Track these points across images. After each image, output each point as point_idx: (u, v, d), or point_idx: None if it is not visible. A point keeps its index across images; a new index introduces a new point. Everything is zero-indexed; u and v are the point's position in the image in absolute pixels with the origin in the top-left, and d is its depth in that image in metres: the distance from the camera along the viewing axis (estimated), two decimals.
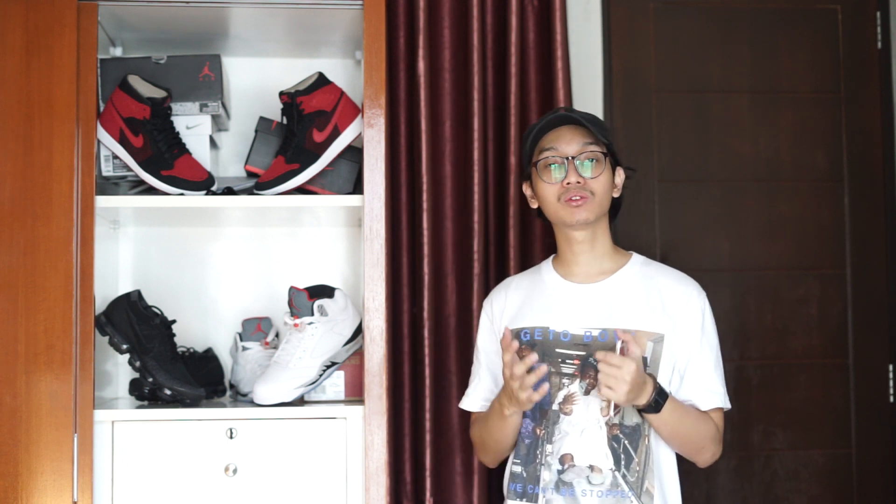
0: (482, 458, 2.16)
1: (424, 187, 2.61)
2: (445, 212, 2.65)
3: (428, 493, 2.59)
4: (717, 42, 2.93)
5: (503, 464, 2.11)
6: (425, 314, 2.59)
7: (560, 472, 1.94)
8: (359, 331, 2.28)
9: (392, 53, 2.63)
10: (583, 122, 2.02)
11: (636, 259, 2.10)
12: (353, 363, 2.32)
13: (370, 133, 2.22)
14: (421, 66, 2.63)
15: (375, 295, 2.19)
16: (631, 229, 2.85)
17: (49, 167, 2.14)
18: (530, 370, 1.87)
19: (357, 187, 2.33)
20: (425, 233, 2.61)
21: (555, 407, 1.96)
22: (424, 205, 2.61)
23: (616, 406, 1.91)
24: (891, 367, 2.91)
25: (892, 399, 2.91)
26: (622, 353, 1.85)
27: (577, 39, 2.81)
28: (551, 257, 2.15)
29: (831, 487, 2.88)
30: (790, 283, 2.90)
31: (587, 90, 2.84)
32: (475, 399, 2.13)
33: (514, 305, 2.08)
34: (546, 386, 1.90)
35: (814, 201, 2.93)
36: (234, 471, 2.17)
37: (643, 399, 1.87)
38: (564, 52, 2.69)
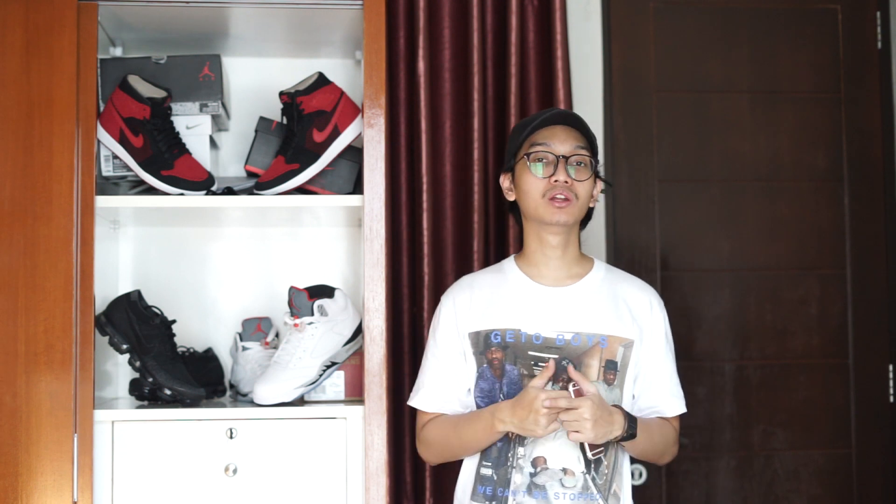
0: (429, 457, 2.10)
1: (424, 187, 2.61)
2: (445, 212, 2.65)
3: (428, 493, 2.59)
4: (717, 42, 2.93)
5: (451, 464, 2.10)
6: (425, 314, 2.59)
7: (532, 475, 1.94)
8: (359, 331, 2.28)
9: (392, 53, 2.63)
10: (577, 125, 2.03)
11: (600, 265, 2.10)
12: (353, 363, 2.32)
13: (370, 133, 2.22)
14: (421, 66, 2.63)
15: (375, 295, 2.19)
16: (631, 229, 2.85)
17: (49, 167, 2.14)
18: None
19: (357, 187, 2.33)
20: (425, 233, 2.61)
21: None
22: (424, 205, 2.61)
23: (594, 447, 1.91)
24: (891, 367, 2.91)
25: (892, 399, 2.91)
26: (577, 394, 1.87)
27: (577, 39, 2.81)
28: (512, 256, 2.13)
29: (831, 487, 2.88)
30: (790, 283, 2.90)
31: (587, 90, 2.85)
32: (432, 399, 2.05)
33: (479, 305, 2.04)
34: (556, 425, 1.88)
35: (814, 201, 2.93)
36: (234, 471, 2.17)
37: (617, 431, 1.89)
38: (564, 52, 2.69)
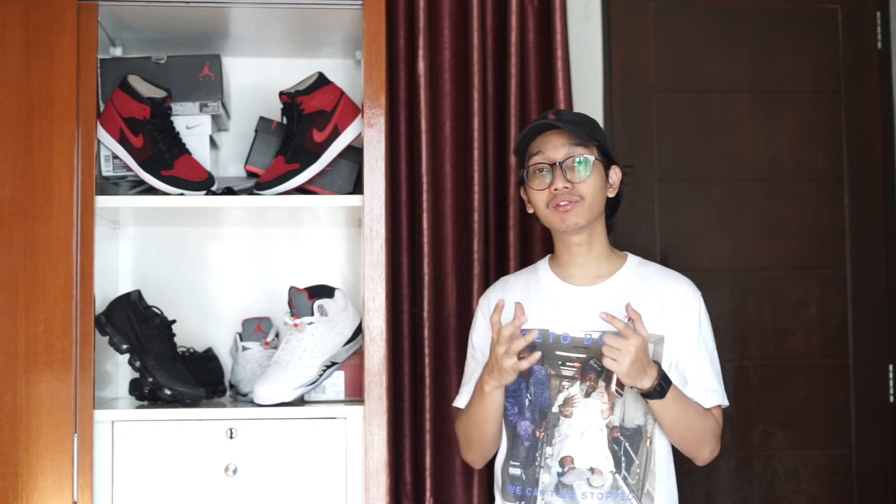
0: (466, 456, 2.13)
1: (424, 187, 2.61)
2: (445, 212, 2.65)
3: (428, 493, 2.59)
4: (717, 42, 2.93)
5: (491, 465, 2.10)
6: (425, 314, 2.59)
7: (560, 475, 1.94)
8: (359, 331, 2.28)
9: (392, 53, 2.63)
10: (565, 126, 2.00)
11: (632, 260, 2.09)
12: (353, 363, 2.32)
13: (370, 133, 2.22)
14: (421, 66, 2.63)
15: (375, 295, 2.19)
16: (631, 229, 2.85)
17: (49, 167, 2.14)
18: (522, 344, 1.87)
19: (357, 187, 2.33)
20: (425, 233, 2.61)
21: (555, 409, 1.95)
22: (424, 205, 2.61)
23: (619, 385, 1.88)
24: (891, 367, 2.91)
25: (892, 399, 2.91)
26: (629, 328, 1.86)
27: (577, 39, 2.81)
28: (548, 257, 2.14)
29: (831, 487, 2.88)
30: (790, 283, 2.90)
31: (587, 90, 2.85)
32: (468, 398, 2.09)
33: (511, 305, 2.06)
34: (538, 354, 1.89)
35: (814, 201, 2.93)
36: (234, 471, 2.17)
37: (647, 381, 1.86)
38: (564, 52, 2.69)
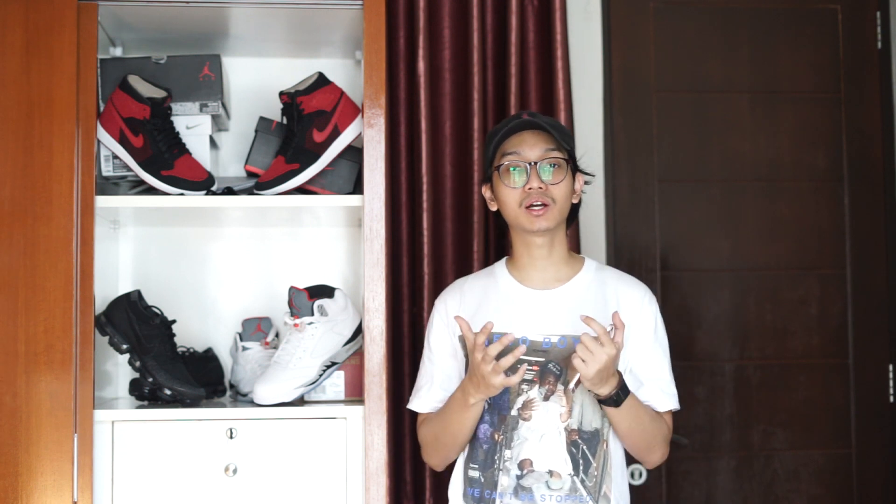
0: (430, 460, 2.12)
1: (424, 187, 2.61)
2: (445, 212, 2.65)
3: (428, 493, 2.59)
4: (717, 42, 2.93)
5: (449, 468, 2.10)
6: (425, 314, 2.59)
7: (519, 478, 1.94)
8: (359, 331, 2.28)
9: (392, 53, 2.63)
10: (546, 127, 2.00)
11: (590, 264, 2.09)
12: (353, 363, 2.32)
13: (370, 133, 2.22)
14: (421, 66, 2.63)
15: (375, 295, 2.19)
16: (631, 229, 2.86)
17: (49, 167, 2.14)
18: (504, 353, 1.85)
19: (357, 187, 2.33)
20: (425, 233, 2.61)
21: (514, 412, 1.96)
22: (424, 205, 2.61)
23: (577, 383, 1.88)
24: (891, 367, 2.91)
25: (892, 399, 2.91)
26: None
27: (577, 39, 2.81)
28: (504, 260, 2.13)
29: (831, 487, 2.88)
30: (790, 283, 2.90)
31: (587, 90, 2.85)
32: (427, 401, 2.09)
33: (469, 309, 2.05)
34: (524, 367, 1.89)
35: (814, 201, 2.93)
36: (234, 471, 2.17)
37: (605, 390, 1.87)
38: (564, 52, 2.69)
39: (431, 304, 2.59)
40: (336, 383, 2.32)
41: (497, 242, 2.68)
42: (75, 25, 2.17)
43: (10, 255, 2.13)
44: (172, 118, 2.32)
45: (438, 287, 2.61)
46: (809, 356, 2.90)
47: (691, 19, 2.93)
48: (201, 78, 2.37)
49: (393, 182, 2.61)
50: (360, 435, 2.18)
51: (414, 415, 2.50)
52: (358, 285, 2.52)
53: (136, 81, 2.26)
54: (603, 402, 1.91)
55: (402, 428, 2.61)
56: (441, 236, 2.65)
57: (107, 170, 2.30)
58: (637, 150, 2.88)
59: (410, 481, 2.62)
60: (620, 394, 1.89)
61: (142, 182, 2.29)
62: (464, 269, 2.63)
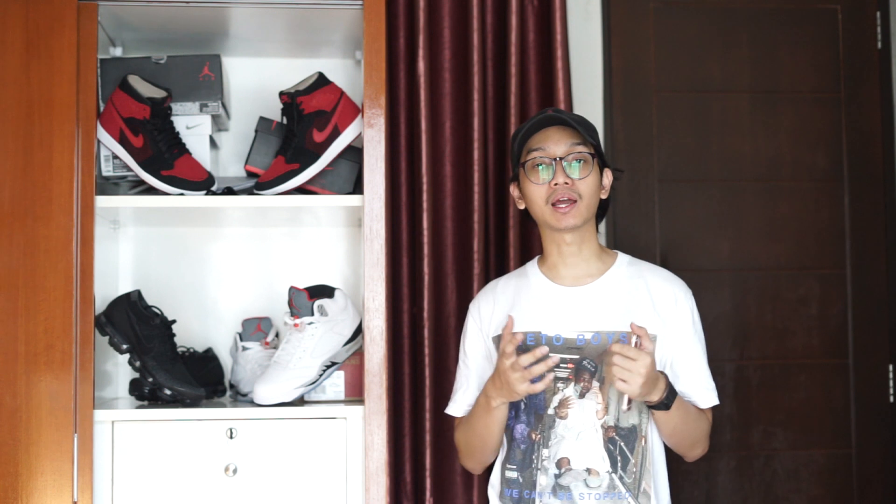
0: (466, 464, 2.14)
1: (424, 187, 2.61)
2: (445, 212, 2.65)
3: (428, 493, 2.59)
4: (717, 42, 2.93)
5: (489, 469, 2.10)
6: (425, 314, 2.59)
7: (557, 476, 1.94)
8: (359, 331, 2.28)
9: (392, 53, 2.63)
10: (571, 122, 2.00)
11: (622, 259, 2.08)
12: (353, 363, 2.32)
13: (370, 133, 2.22)
14: (421, 66, 2.63)
15: (375, 295, 2.19)
16: (631, 229, 2.86)
17: (49, 167, 2.14)
18: (536, 361, 1.86)
19: (357, 187, 2.33)
20: (425, 233, 2.61)
21: (550, 411, 1.95)
22: (424, 205, 2.61)
23: (629, 401, 1.88)
24: (891, 367, 2.91)
25: (892, 399, 2.91)
26: (636, 347, 1.85)
27: (577, 39, 2.81)
28: (536, 259, 2.13)
29: (831, 487, 2.88)
30: (790, 283, 2.90)
31: (587, 90, 2.85)
32: (462, 405, 2.11)
33: (502, 309, 2.05)
34: (550, 376, 1.89)
35: (814, 201, 2.93)
36: (234, 471, 2.17)
37: (656, 395, 1.87)
38: (564, 52, 2.69)
39: (431, 304, 2.60)
40: (336, 383, 2.32)
41: (497, 242, 2.68)
42: (75, 25, 2.17)
43: (10, 255, 2.13)
44: (172, 118, 2.32)
45: (438, 287, 2.62)
46: (809, 356, 2.90)
47: (691, 19, 2.93)
48: (201, 78, 2.37)
49: (393, 182, 2.61)
50: (360, 435, 2.18)
51: (414, 414, 2.50)
52: (358, 285, 2.52)
53: (136, 81, 2.26)
54: (654, 407, 1.90)
55: (402, 428, 2.61)
56: (441, 236, 2.65)
57: (107, 170, 2.30)
58: (637, 150, 2.88)
59: (410, 481, 2.62)
60: (670, 396, 1.89)
61: (142, 182, 2.29)
62: (464, 269, 2.63)
